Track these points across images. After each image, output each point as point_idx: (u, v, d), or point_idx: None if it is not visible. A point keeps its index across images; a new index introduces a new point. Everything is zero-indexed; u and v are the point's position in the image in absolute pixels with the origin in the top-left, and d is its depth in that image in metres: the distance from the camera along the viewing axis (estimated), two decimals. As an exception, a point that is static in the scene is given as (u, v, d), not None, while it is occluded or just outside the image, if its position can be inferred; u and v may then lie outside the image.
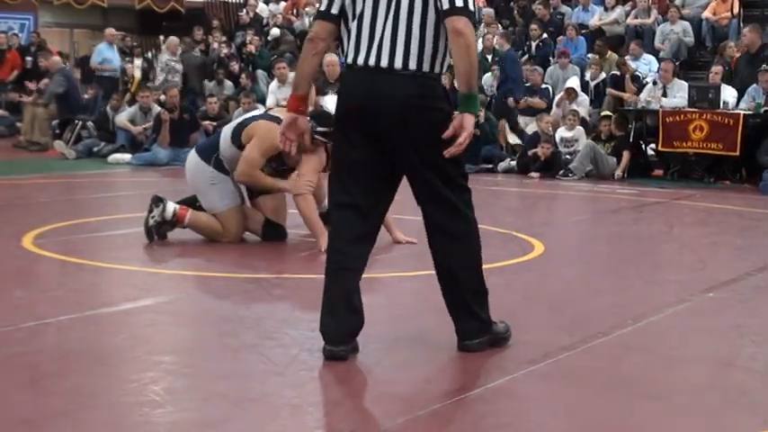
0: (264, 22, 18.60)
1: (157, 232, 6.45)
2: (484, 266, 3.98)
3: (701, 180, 11.63)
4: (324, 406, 3.36)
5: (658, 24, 14.93)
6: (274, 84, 13.77)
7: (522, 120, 13.48)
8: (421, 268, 5.54)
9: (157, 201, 6.45)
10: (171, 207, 6.46)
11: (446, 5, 3.65)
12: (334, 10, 3.82)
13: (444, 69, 3.81)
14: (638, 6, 15.29)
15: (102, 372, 3.66)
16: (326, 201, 7.11)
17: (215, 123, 13.08)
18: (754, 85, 11.97)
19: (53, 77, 15.03)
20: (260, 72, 15.99)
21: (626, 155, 11.99)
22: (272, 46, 17.39)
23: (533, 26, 15.32)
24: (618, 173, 11.88)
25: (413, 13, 3.70)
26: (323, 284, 3.84)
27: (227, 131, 6.60)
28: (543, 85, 13.62)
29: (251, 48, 16.85)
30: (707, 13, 14.86)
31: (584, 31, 15.40)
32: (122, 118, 13.75)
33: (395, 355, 3.98)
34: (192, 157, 6.67)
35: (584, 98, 13.30)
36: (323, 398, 3.46)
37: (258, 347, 3.98)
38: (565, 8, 16.53)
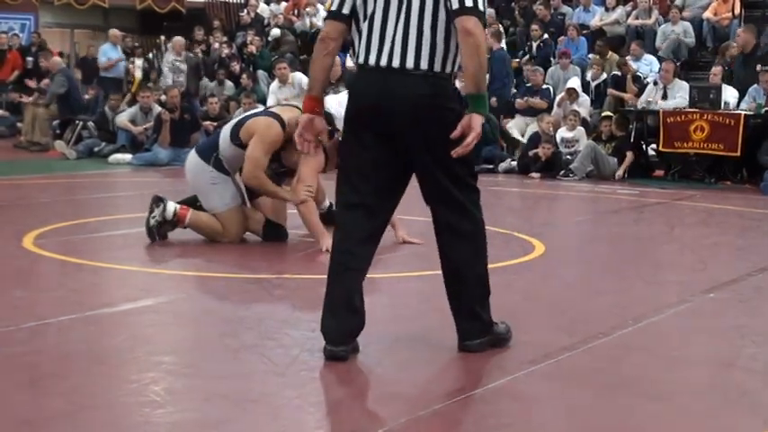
0: (265, 22, 18.61)
1: (158, 232, 6.45)
2: (485, 267, 3.98)
3: (702, 180, 11.63)
4: (324, 406, 3.36)
5: (659, 25, 14.94)
6: (275, 84, 13.77)
7: (522, 120, 13.48)
8: (423, 269, 5.54)
9: (158, 201, 6.45)
10: (171, 207, 6.46)
11: (456, 5, 3.64)
12: (346, 10, 3.82)
13: (455, 69, 3.80)
14: (638, 7, 15.30)
15: (102, 372, 3.65)
16: (326, 202, 7.13)
17: (215, 124, 13.09)
18: (755, 85, 11.99)
19: (54, 78, 15.04)
20: (261, 72, 16.00)
21: (629, 155, 11.99)
22: (272, 46, 17.40)
23: (534, 26, 15.32)
24: (619, 173, 11.89)
25: (424, 14, 3.70)
26: (325, 284, 3.84)
27: (226, 131, 6.60)
28: (544, 86, 13.62)
29: (252, 48, 16.86)
30: (708, 14, 14.87)
31: (585, 32, 15.40)
32: (123, 118, 13.75)
33: (396, 355, 3.98)
34: (192, 157, 6.67)
35: (584, 98, 13.30)
36: (324, 398, 3.46)
37: (259, 348, 3.98)
38: (566, 8, 16.54)
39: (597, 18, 15.68)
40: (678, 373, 3.85)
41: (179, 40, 16.31)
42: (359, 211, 3.83)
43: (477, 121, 3.67)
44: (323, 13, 17.95)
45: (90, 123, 14.24)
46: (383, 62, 3.74)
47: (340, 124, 7.04)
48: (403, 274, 5.67)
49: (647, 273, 6.03)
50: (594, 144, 12.13)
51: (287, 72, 13.48)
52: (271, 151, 6.39)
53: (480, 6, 3.67)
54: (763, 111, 11.64)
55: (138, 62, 17.38)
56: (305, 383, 3.55)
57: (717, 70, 12.41)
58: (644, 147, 12.60)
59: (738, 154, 11.38)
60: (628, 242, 7.45)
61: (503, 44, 14.38)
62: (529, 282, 5.62)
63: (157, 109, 13.31)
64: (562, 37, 15.30)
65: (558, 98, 13.33)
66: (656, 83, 12.67)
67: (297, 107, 7.01)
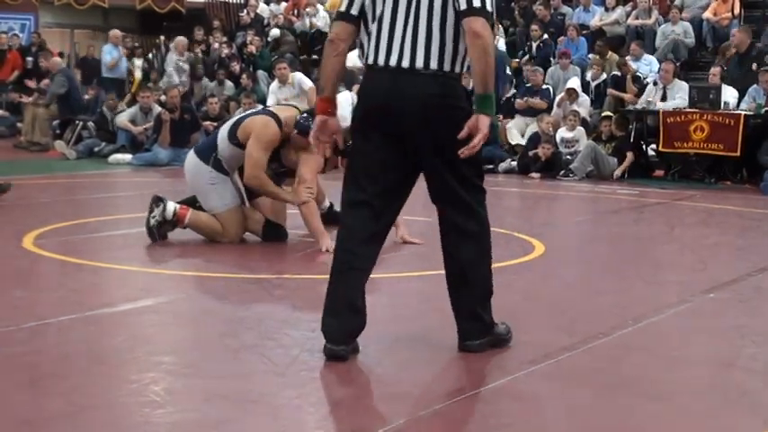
0: (265, 22, 18.60)
1: (158, 232, 6.45)
2: (486, 266, 3.98)
3: (702, 180, 11.64)
4: (325, 406, 3.36)
5: (659, 25, 14.94)
6: (275, 84, 13.77)
7: (522, 120, 13.47)
8: (423, 269, 5.54)
9: (158, 201, 6.45)
10: (171, 207, 6.46)
11: (463, 6, 3.65)
12: (354, 11, 3.83)
13: (465, 69, 3.80)
14: (638, 7, 15.29)
15: (102, 372, 3.65)
16: (326, 202, 7.13)
17: (215, 124, 13.09)
18: (755, 85, 12.00)
19: (54, 78, 15.04)
20: (261, 72, 16.00)
21: (629, 156, 11.99)
22: (272, 46, 17.40)
23: (534, 27, 15.31)
24: (617, 173, 11.88)
25: (432, 14, 3.71)
26: (327, 283, 3.84)
27: (223, 130, 6.60)
28: (544, 86, 13.62)
29: (252, 48, 16.86)
30: (708, 14, 14.87)
31: (584, 32, 15.40)
32: (123, 118, 13.75)
33: (396, 355, 3.98)
34: (191, 158, 6.67)
35: (584, 98, 13.30)
36: (324, 398, 3.46)
37: (259, 348, 3.98)
38: (566, 9, 16.53)
39: (597, 18, 15.68)
40: (678, 373, 3.85)
41: (182, 40, 16.34)
42: (364, 210, 3.83)
43: (483, 121, 3.67)
44: (323, 14, 17.97)
45: (90, 123, 14.25)
46: (392, 62, 3.75)
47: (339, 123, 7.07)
48: (403, 274, 5.66)
49: (647, 273, 6.03)
50: (594, 144, 12.13)
51: (287, 72, 13.48)
52: (269, 150, 6.39)
53: (488, 7, 3.67)
54: (763, 111, 11.65)
55: (138, 62, 17.39)
56: (305, 383, 3.55)
57: (716, 71, 12.42)
58: (644, 147, 12.59)
59: (738, 154, 11.38)
60: (628, 242, 7.45)
61: (500, 44, 14.34)
62: (529, 282, 5.62)
63: (157, 109, 13.31)
64: (562, 37, 15.30)
65: (557, 98, 13.32)
66: (655, 83, 12.67)
67: (295, 107, 7.02)
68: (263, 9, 18.99)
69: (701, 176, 11.73)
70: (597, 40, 14.55)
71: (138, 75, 17.10)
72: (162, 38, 18.28)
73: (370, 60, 3.81)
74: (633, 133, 12.40)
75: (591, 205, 10.29)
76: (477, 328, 3.94)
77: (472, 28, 3.63)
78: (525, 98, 13.52)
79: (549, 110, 13.16)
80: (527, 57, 15.03)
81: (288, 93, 13.13)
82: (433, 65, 3.72)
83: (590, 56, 14.56)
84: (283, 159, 6.61)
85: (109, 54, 16.85)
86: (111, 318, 4.55)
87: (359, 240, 3.83)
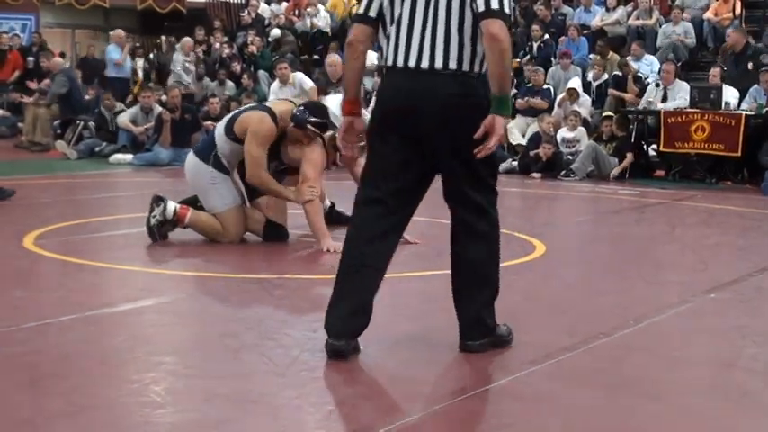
0: (266, 22, 18.61)
1: (159, 232, 6.45)
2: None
3: (703, 181, 11.63)
4: (325, 406, 3.35)
5: (660, 25, 14.94)
6: (276, 84, 13.77)
7: (523, 120, 13.48)
8: (424, 269, 5.54)
9: (158, 200, 6.45)
10: (171, 206, 6.46)
11: (481, 7, 3.66)
12: (372, 13, 3.83)
13: (484, 69, 3.80)
14: (639, 7, 15.29)
15: (102, 372, 3.65)
16: (327, 202, 7.14)
17: (216, 124, 13.07)
18: (756, 85, 12.00)
19: (55, 78, 15.04)
20: (261, 72, 16.01)
21: (629, 156, 11.98)
22: (273, 46, 17.41)
23: (535, 27, 15.32)
24: (614, 173, 11.84)
25: (451, 15, 3.72)
26: (327, 283, 3.83)
27: (220, 127, 6.62)
28: (545, 86, 13.62)
29: (252, 48, 16.87)
30: (708, 14, 14.88)
31: (585, 32, 15.40)
32: (124, 118, 13.76)
33: (397, 355, 3.98)
34: (191, 158, 6.67)
35: (585, 99, 13.30)
36: (324, 398, 3.46)
37: (259, 348, 3.98)
38: (566, 9, 16.53)
39: (598, 18, 15.68)
40: (679, 374, 3.85)
41: (188, 40, 16.39)
42: (376, 207, 3.84)
43: (499, 122, 3.70)
44: (323, 14, 17.98)
45: (91, 123, 14.25)
46: (411, 63, 3.76)
47: (338, 122, 7.08)
48: (404, 274, 5.65)
49: (647, 273, 6.03)
50: (595, 144, 12.13)
51: (288, 72, 13.48)
52: (266, 146, 6.38)
53: (506, 8, 3.68)
54: (764, 111, 11.65)
55: (139, 62, 17.40)
56: (305, 384, 3.54)
57: (716, 71, 12.43)
58: (645, 147, 12.59)
59: (739, 154, 11.38)
60: (629, 242, 7.44)
61: None
62: (530, 282, 5.61)
63: (158, 109, 13.31)
64: (563, 37, 15.30)
65: (558, 98, 13.32)
66: (658, 85, 12.64)
67: (291, 101, 7.03)
68: (263, 9, 19.00)
69: (701, 177, 11.73)
70: (598, 41, 14.56)
71: (139, 75, 17.12)
72: (163, 38, 18.28)
73: (390, 62, 3.82)
74: (634, 133, 12.39)
75: (592, 205, 10.29)
76: (479, 328, 3.94)
77: (490, 30, 3.64)
78: (526, 98, 13.52)
79: (549, 110, 13.16)
80: (528, 57, 15.03)
81: (289, 93, 13.11)
82: (452, 65, 3.73)
83: (591, 56, 14.56)
84: (284, 158, 6.61)
85: (114, 53, 16.85)
86: (112, 318, 4.55)
87: (366, 239, 3.83)
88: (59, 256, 5.97)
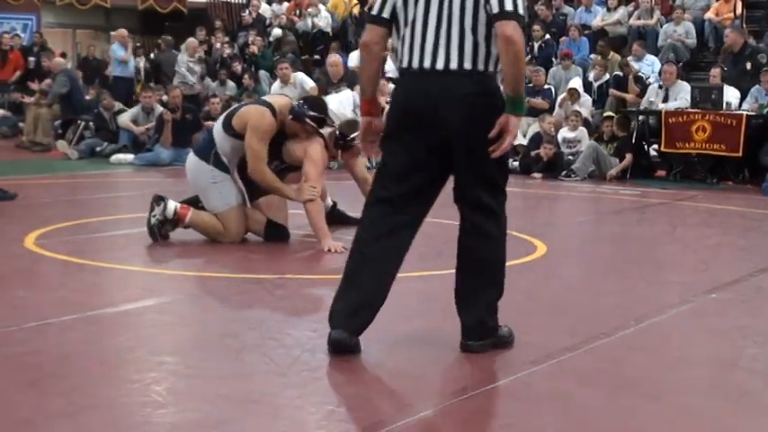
0: (267, 22, 18.60)
1: (159, 232, 6.45)
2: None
3: (704, 181, 11.62)
4: (326, 406, 3.35)
5: (661, 25, 14.93)
6: (277, 84, 13.78)
7: (524, 120, 13.47)
8: (425, 269, 5.53)
9: (158, 199, 6.45)
10: (172, 205, 6.46)
11: (495, 9, 3.67)
12: (386, 14, 3.85)
13: (499, 68, 3.81)
14: (640, 7, 15.29)
15: (103, 372, 3.65)
16: (328, 200, 7.14)
17: (216, 123, 13.07)
18: (757, 86, 12.00)
19: (56, 78, 15.05)
20: (262, 72, 16.00)
21: (628, 157, 11.97)
22: (274, 46, 17.41)
23: (536, 27, 15.31)
24: (611, 173, 11.82)
25: (464, 16, 3.73)
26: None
27: (218, 124, 6.63)
28: (546, 86, 13.62)
29: (253, 48, 16.87)
30: (710, 14, 14.88)
31: (586, 32, 15.40)
32: (125, 118, 13.76)
33: (397, 355, 3.98)
34: (191, 158, 6.67)
35: (586, 99, 13.29)
36: (325, 398, 3.45)
37: (260, 348, 3.98)
38: (567, 9, 16.53)
39: (599, 18, 15.68)
40: (680, 374, 3.85)
41: (192, 41, 16.40)
42: (384, 206, 3.87)
43: (513, 122, 3.72)
44: (324, 14, 17.98)
45: (91, 123, 14.25)
46: (426, 64, 3.77)
47: (338, 121, 7.10)
48: (404, 274, 5.63)
49: (648, 273, 6.02)
50: (596, 144, 12.12)
51: (288, 72, 13.49)
52: (267, 140, 6.38)
53: (520, 10, 3.70)
54: (765, 111, 11.64)
55: (141, 62, 17.38)
56: (306, 384, 3.54)
57: (716, 71, 12.43)
58: (645, 147, 12.58)
59: (740, 154, 11.37)
60: (630, 242, 7.44)
61: None
62: (531, 282, 5.61)
63: (159, 109, 13.31)
64: (564, 37, 15.29)
65: (559, 98, 13.32)
66: (660, 86, 12.60)
67: (288, 96, 7.06)
68: (264, 9, 19.00)
69: (702, 177, 11.72)
70: (599, 41, 14.55)
71: (141, 75, 17.12)
72: (171, 38, 18.26)
73: (404, 64, 3.83)
74: (635, 133, 12.39)
75: (593, 205, 10.28)
76: (481, 329, 3.94)
77: (504, 32, 3.65)
78: (527, 98, 13.50)
79: (550, 110, 13.16)
80: (529, 57, 15.01)
81: (289, 93, 13.08)
82: (467, 65, 3.74)
83: (592, 56, 14.56)
84: (285, 156, 6.61)
85: (119, 52, 16.85)
86: (113, 318, 4.55)
87: (373, 237, 3.86)
88: (60, 256, 5.97)
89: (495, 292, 3.96)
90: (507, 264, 4.02)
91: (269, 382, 3.56)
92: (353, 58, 15.67)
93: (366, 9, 18.13)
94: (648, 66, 13.90)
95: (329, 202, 7.19)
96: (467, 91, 3.74)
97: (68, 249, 6.16)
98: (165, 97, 13.68)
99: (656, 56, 14.18)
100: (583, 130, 12.47)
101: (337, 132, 6.65)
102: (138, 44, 18.76)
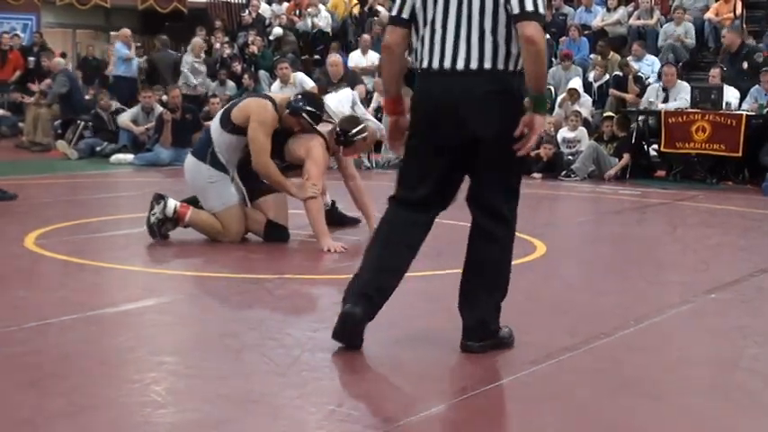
0: (267, 22, 18.60)
1: (159, 231, 6.44)
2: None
3: (704, 181, 11.62)
4: (326, 406, 3.35)
5: (661, 25, 14.93)
6: (276, 84, 13.78)
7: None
8: (426, 269, 5.53)
9: (158, 198, 6.45)
10: (172, 204, 6.45)
11: (516, 9, 3.68)
12: (405, 15, 3.87)
13: (519, 67, 3.82)
14: (640, 7, 15.29)
15: (103, 372, 3.65)
16: (327, 198, 7.14)
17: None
18: (757, 86, 12.00)
19: (56, 78, 15.05)
20: (262, 72, 16.01)
21: (626, 157, 11.96)
22: (275, 46, 17.40)
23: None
24: (610, 173, 11.80)
25: (484, 16, 3.74)
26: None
27: (215, 121, 6.63)
28: (546, 86, 13.61)
29: (253, 48, 16.86)
30: (710, 14, 14.88)
31: (586, 32, 15.40)
32: (125, 118, 13.76)
33: (398, 355, 3.97)
34: (189, 159, 6.66)
35: (586, 99, 13.29)
36: (325, 398, 3.45)
37: (260, 348, 3.98)
38: (567, 9, 16.53)
39: (599, 18, 15.68)
40: (680, 374, 3.85)
41: (198, 41, 16.40)
42: (403, 204, 3.93)
43: (538, 121, 3.77)
44: (324, 14, 17.97)
45: (91, 124, 14.24)
46: (447, 65, 3.79)
47: (337, 119, 7.12)
48: (406, 273, 5.65)
49: (649, 273, 6.02)
50: (596, 144, 12.12)
51: (288, 72, 13.49)
52: (269, 133, 6.37)
53: (540, 9, 3.72)
54: (765, 111, 11.64)
55: (141, 62, 17.38)
56: (306, 383, 3.54)
57: (715, 72, 12.43)
58: (645, 147, 12.58)
59: (740, 154, 11.37)
60: (630, 242, 7.44)
61: None
62: (531, 282, 5.61)
63: (159, 109, 13.31)
64: (564, 37, 15.29)
65: (559, 99, 13.32)
66: (665, 89, 12.56)
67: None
68: (264, 9, 18.99)
69: (702, 177, 11.71)
70: (599, 41, 14.56)
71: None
72: (167, 38, 18.26)
73: (424, 64, 3.85)
74: (635, 133, 12.39)
75: (592, 206, 10.28)
76: (483, 330, 3.95)
77: (525, 32, 3.67)
78: (527, 98, 13.49)
79: (550, 110, 13.15)
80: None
81: (289, 93, 13.12)
82: (487, 65, 3.76)
83: (592, 56, 14.55)
84: (286, 155, 6.62)
85: (118, 54, 16.85)
86: (113, 318, 4.55)
87: (392, 233, 3.93)
88: (60, 255, 5.97)
89: (499, 295, 3.97)
90: (507, 264, 4.03)
91: (269, 382, 3.56)
92: (353, 58, 15.69)
93: (366, 9, 18.17)
94: (648, 66, 13.90)
95: (328, 200, 7.19)
96: (487, 89, 3.76)
97: (68, 249, 6.16)
98: (164, 97, 13.68)
99: (656, 56, 14.18)
100: (583, 131, 12.47)
101: (338, 129, 6.65)
102: (138, 44, 18.76)
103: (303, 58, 17.01)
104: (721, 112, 11.52)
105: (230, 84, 15.78)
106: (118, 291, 5.28)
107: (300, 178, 6.54)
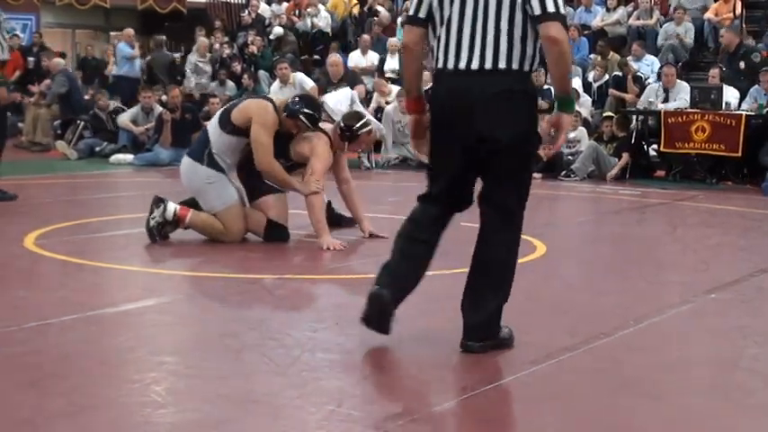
0: (266, 22, 18.60)
1: (159, 233, 6.44)
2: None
3: (704, 181, 11.62)
4: (326, 406, 3.35)
5: (661, 25, 14.94)
6: (276, 84, 13.78)
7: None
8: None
9: (158, 202, 6.44)
10: (171, 207, 6.45)
11: (537, 11, 3.70)
12: (422, 14, 3.89)
13: (535, 67, 3.85)
14: (640, 7, 15.29)
15: (103, 372, 3.65)
16: (325, 197, 7.14)
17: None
18: (756, 86, 12.00)
19: (55, 78, 15.05)
20: (262, 73, 16.01)
21: (625, 156, 11.96)
22: (275, 45, 17.40)
23: (536, 27, 15.30)
24: (611, 173, 11.81)
25: (500, 17, 3.75)
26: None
27: (213, 122, 6.63)
28: (545, 86, 13.61)
29: (253, 48, 16.86)
30: (709, 14, 14.88)
31: (586, 32, 15.40)
32: (124, 118, 13.76)
33: (398, 354, 3.98)
34: (185, 161, 6.64)
35: (586, 99, 13.29)
36: (325, 398, 3.45)
37: (260, 348, 3.98)
38: (567, 9, 16.51)
39: (599, 18, 15.68)
40: (680, 374, 3.85)
41: (203, 41, 16.42)
42: (427, 201, 4.00)
43: (566, 120, 3.84)
44: (324, 14, 17.97)
45: (90, 124, 14.24)
46: (462, 65, 3.80)
47: (336, 118, 7.11)
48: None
49: (648, 273, 6.02)
50: (596, 144, 12.12)
51: (288, 72, 13.48)
52: (272, 134, 6.39)
53: (561, 10, 3.75)
54: (765, 111, 11.64)
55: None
56: (306, 384, 3.54)
57: (715, 72, 12.43)
58: (645, 147, 12.58)
59: (740, 154, 11.37)
60: (629, 242, 7.44)
61: None
62: (530, 282, 5.60)
63: (159, 109, 13.31)
64: (564, 37, 15.26)
65: (559, 98, 13.30)
66: (666, 90, 12.55)
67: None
68: (264, 9, 18.99)
69: (702, 177, 11.71)
70: (599, 41, 14.55)
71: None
72: (163, 38, 18.26)
73: (440, 64, 3.87)
74: (634, 133, 12.38)
75: (592, 206, 10.28)
76: (484, 331, 3.95)
77: (549, 33, 3.70)
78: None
79: (550, 110, 13.12)
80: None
81: (289, 93, 13.09)
82: (502, 65, 3.77)
83: (591, 56, 14.55)
84: (292, 153, 6.64)
85: (121, 53, 16.85)
86: (113, 318, 4.55)
87: (416, 229, 3.98)
88: (60, 256, 5.97)
89: (503, 295, 3.98)
90: (508, 264, 4.03)
91: (269, 382, 3.56)
92: (353, 59, 15.69)
93: (365, 9, 18.16)
94: (648, 66, 13.90)
95: (325, 198, 7.19)
96: (502, 89, 3.78)
97: (68, 249, 6.16)
98: (164, 97, 13.68)
99: (656, 56, 14.18)
100: (582, 131, 12.46)
101: (342, 125, 6.69)
102: (138, 44, 18.77)
103: (303, 58, 17.01)
104: (721, 112, 11.52)
105: (230, 84, 15.78)
106: (118, 291, 5.28)
107: (302, 176, 6.55)
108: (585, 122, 12.73)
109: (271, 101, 6.56)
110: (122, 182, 11.52)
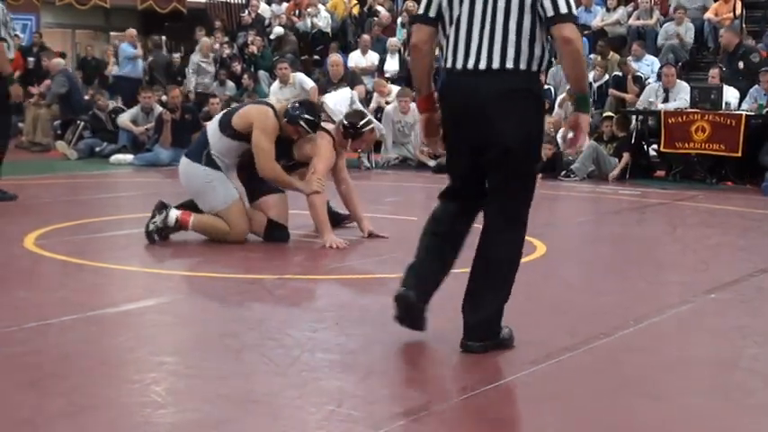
0: (266, 22, 18.60)
1: (158, 236, 6.43)
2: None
3: (704, 181, 11.62)
4: (326, 407, 3.35)
5: (661, 25, 14.93)
6: (276, 84, 13.77)
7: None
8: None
9: (161, 207, 6.43)
10: (173, 214, 6.42)
11: (550, 12, 3.72)
12: (432, 13, 3.91)
13: (543, 68, 3.86)
14: (640, 7, 15.29)
15: (103, 372, 3.65)
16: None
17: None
18: (756, 86, 12.00)
19: (55, 78, 15.05)
20: (262, 73, 16.01)
21: (625, 156, 11.96)
22: (275, 45, 17.40)
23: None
24: (613, 174, 11.81)
25: (509, 17, 3.77)
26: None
27: (213, 124, 6.62)
28: (545, 86, 13.61)
29: (253, 48, 16.86)
30: (709, 14, 14.88)
31: (586, 32, 15.37)
32: (124, 118, 13.76)
33: (398, 354, 3.98)
34: (183, 162, 6.63)
35: (586, 99, 13.25)
36: (325, 398, 3.45)
37: (260, 348, 3.98)
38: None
39: (598, 18, 15.68)
40: (679, 374, 3.85)
41: (206, 41, 16.42)
42: (448, 199, 4.05)
43: (584, 120, 3.88)
44: (324, 14, 17.98)
45: (89, 125, 14.24)
46: (470, 65, 3.82)
47: (336, 118, 7.12)
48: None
49: (648, 273, 6.03)
50: (596, 144, 12.11)
51: (288, 72, 13.48)
52: (273, 139, 6.40)
53: (574, 11, 3.77)
54: (765, 111, 11.64)
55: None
56: (306, 384, 3.54)
57: (715, 72, 12.43)
58: (645, 147, 12.58)
59: (739, 154, 11.37)
60: (629, 242, 7.44)
61: None
62: (530, 282, 5.59)
63: (159, 109, 13.31)
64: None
65: (559, 99, 13.32)
66: (666, 90, 12.55)
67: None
68: (264, 9, 19.00)
69: (702, 177, 11.71)
70: (599, 41, 14.54)
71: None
72: (163, 38, 18.28)
73: (449, 64, 3.89)
74: (634, 134, 12.38)
75: (592, 206, 10.29)
76: (485, 331, 3.96)
77: (562, 34, 3.73)
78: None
79: (550, 110, 13.15)
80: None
81: (289, 93, 13.13)
82: (510, 65, 3.78)
83: (591, 56, 14.54)
84: (295, 154, 6.65)
85: (123, 54, 16.85)
86: (113, 318, 4.55)
87: (440, 225, 4.03)
88: (60, 256, 5.97)
89: (504, 295, 3.98)
90: (507, 264, 4.03)
91: (269, 382, 3.56)
92: (353, 59, 15.69)
93: (365, 9, 18.15)
94: (648, 66, 13.90)
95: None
96: (509, 89, 3.79)
97: (68, 249, 6.16)
98: (164, 97, 13.68)
99: (656, 56, 14.18)
100: (582, 131, 12.44)
101: (345, 123, 6.71)
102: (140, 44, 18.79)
103: (303, 58, 17.01)
104: (721, 112, 11.52)
105: (230, 84, 15.79)
106: (118, 291, 5.28)
107: (302, 176, 6.56)
108: (585, 122, 12.70)
109: (271, 106, 6.55)
110: (122, 182, 11.52)
